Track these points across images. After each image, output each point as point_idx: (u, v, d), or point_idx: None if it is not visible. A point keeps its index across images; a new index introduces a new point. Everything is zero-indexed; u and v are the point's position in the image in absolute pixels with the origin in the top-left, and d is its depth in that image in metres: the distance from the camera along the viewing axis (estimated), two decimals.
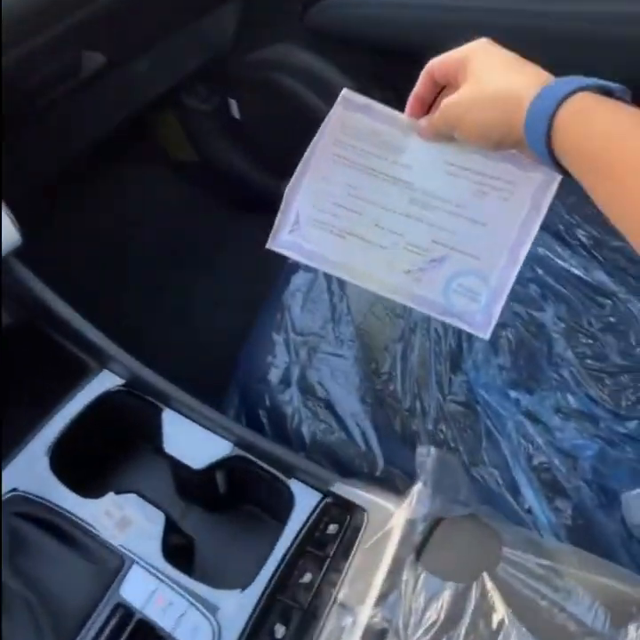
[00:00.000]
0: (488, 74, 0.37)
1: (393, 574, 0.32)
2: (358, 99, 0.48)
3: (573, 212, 0.72)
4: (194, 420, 0.48)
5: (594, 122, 0.32)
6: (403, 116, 0.48)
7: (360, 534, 0.37)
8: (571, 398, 0.59)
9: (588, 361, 0.63)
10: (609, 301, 0.69)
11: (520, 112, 0.35)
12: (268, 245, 0.49)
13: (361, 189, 0.49)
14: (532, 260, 0.69)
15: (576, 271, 0.70)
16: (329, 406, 0.53)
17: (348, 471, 0.48)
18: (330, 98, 1.15)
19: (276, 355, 0.57)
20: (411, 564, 0.32)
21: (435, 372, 0.59)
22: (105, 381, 0.52)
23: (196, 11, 0.87)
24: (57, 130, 0.76)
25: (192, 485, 0.48)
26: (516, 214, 0.48)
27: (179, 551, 0.43)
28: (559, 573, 0.31)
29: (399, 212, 0.49)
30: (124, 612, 0.37)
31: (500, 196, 0.48)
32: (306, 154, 0.49)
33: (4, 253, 0.48)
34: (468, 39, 0.86)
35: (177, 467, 0.47)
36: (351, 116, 0.48)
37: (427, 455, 0.37)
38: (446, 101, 0.40)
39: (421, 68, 0.91)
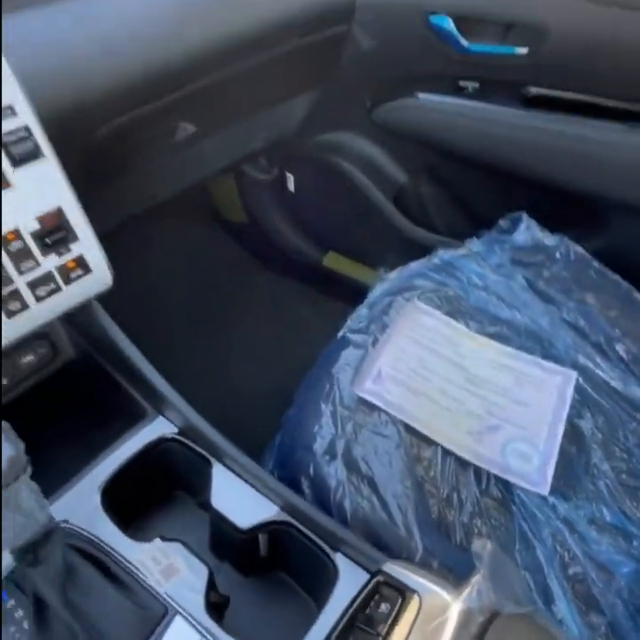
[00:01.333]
0: None
1: None
2: (425, 308, 0.75)
3: (614, 326, 0.78)
4: (241, 477, 0.51)
5: None
6: (456, 324, 0.73)
7: (414, 619, 0.39)
8: (605, 511, 0.62)
9: (624, 476, 0.66)
10: None
11: None
12: (356, 390, 0.64)
13: (429, 363, 0.69)
14: (573, 367, 0.73)
15: (614, 384, 0.74)
16: (372, 485, 0.56)
17: (386, 552, 0.51)
18: (383, 186, 1.26)
19: (323, 425, 0.61)
20: None
21: (474, 465, 0.62)
22: (159, 428, 0.56)
23: (277, 98, 0.99)
24: (136, 185, 0.84)
25: (232, 544, 0.50)
26: (548, 401, 0.67)
27: (216, 609, 0.45)
28: None
29: (459, 385, 0.67)
30: None
31: (534, 387, 0.68)
32: (390, 328, 0.72)
33: (95, 294, 0.54)
34: (513, 149, 0.95)
35: (221, 523, 0.50)
36: (421, 316, 0.74)
37: (483, 548, 0.39)
38: None
39: (472, 167, 1.03)
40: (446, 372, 0.69)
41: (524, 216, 0.86)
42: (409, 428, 0.62)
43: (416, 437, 0.62)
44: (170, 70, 0.69)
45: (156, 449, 0.55)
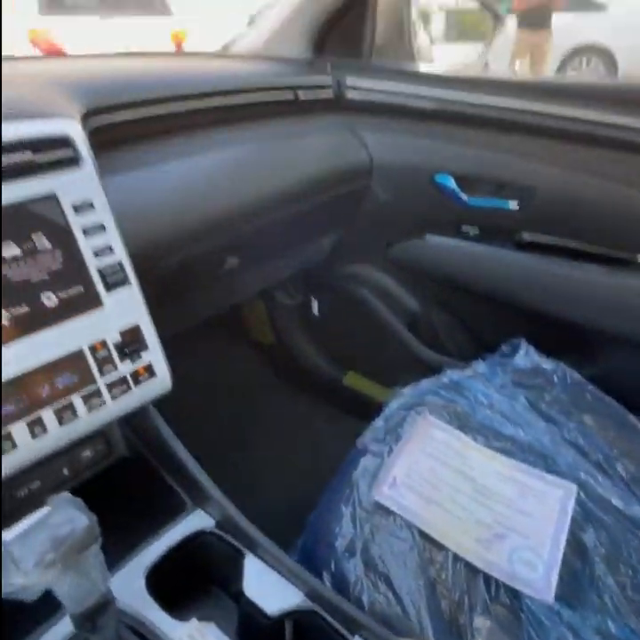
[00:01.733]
0: None
1: None
2: (436, 422, 0.83)
3: (613, 446, 0.85)
4: (272, 568, 0.57)
5: None
6: (465, 437, 0.81)
7: None
8: (611, 624, 0.65)
9: (629, 592, 0.69)
10: None
11: None
12: (373, 495, 0.71)
13: (440, 473, 0.76)
14: (574, 481, 0.79)
15: (615, 502, 0.79)
16: (388, 582, 0.61)
17: None
18: (398, 312, 1.41)
19: (343, 525, 0.67)
20: None
21: (483, 572, 0.66)
22: (198, 520, 0.63)
23: (307, 238, 1.16)
24: (184, 307, 0.98)
25: (260, 631, 0.55)
26: (550, 513, 0.72)
27: None
28: None
29: (467, 495, 0.74)
30: None
31: (537, 499, 0.74)
32: (404, 439, 0.80)
33: (157, 396, 0.64)
34: (511, 285, 1.09)
35: (251, 610, 0.55)
36: (432, 429, 0.82)
37: (483, 625, 0.45)
38: None
39: (475, 298, 1.17)
40: (455, 482, 0.76)
41: (523, 342, 0.97)
42: (422, 533, 0.68)
43: (429, 542, 0.68)
44: (223, 220, 0.85)
45: (196, 541, 0.61)
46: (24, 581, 0.43)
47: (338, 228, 1.22)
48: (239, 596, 0.56)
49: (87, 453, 0.67)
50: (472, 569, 0.66)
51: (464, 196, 1.07)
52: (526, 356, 0.96)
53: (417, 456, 0.79)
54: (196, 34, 5.28)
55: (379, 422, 0.87)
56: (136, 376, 0.62)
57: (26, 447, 0.54)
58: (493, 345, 1.02)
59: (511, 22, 5.78)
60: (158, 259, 0.75)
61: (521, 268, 1.05)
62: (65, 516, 0.47)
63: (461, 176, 1.06)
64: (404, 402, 0.91)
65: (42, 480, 0.62)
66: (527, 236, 1.05)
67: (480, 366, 0.98)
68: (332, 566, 0.63)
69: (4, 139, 0.57)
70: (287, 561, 0.57)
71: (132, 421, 0.69)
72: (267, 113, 1.01)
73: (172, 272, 0.82)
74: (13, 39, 4.22)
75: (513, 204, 1.03)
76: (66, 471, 0.65)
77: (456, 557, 0.67)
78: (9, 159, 0.56)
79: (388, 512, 0.70)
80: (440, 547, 0.67)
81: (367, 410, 0.97)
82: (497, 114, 0.99)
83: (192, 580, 0.62)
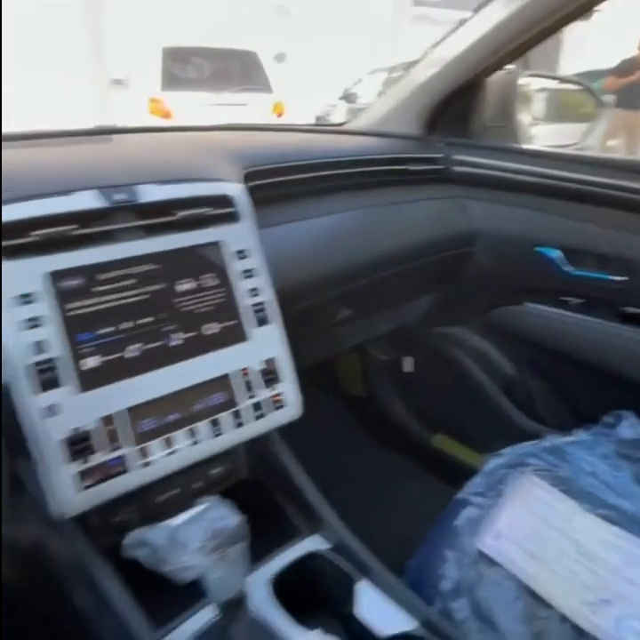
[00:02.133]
0: None
1: None
2: (540, 482, 0.84)
3: None
4: (385, 592, 0.62)
5: None
6: (569, 500, 0.81)
7: None
8: None
9: None
10: None
11: None
12: (477, 544, 0.75)
13: (543, 533, 0.78)
14: None
15: None
16: (493, 626, 0.64)
17: None
18: (494, 377, 1.44)
19: (448, 569, 0.71)
20: None
21: (591, 635, 0.67)
22: (314, 543, 0.69)
23: (411, 295, 1.25)
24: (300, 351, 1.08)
25: None
26: None
27: None
28: None
29: (572, 557, 0.76)
30: None
31: None
32: (506, 495, 0.83)
33: (285, 423, 0.72)
34: (612, 356, 1.11)
35: (362, 631, 0.59)
36: (536, 489, 0.84)
37: None
38: None
39: (575, 366, 1.19)
40: (559, 542, 0.78)
41: (630, 414, 0.98)
42: (526, 586, 0.70)
43: (533, 596, 0.69)
44: (344, 273, 0.96)
45: (310, 562, 0.67)
46: (187, 560, 0.51)
47: (439, 288, 1.30)
48: (348, 619, 0.61)
49: (217, 470, 0.75)
50: (579, 631, 0.67)
51: (566, 267, 1.12)
52: (631, 428, 0.96)
53: (520, 512, 0.81)
54: (294, 106, 5.82)
55: (477, 479, 0.91)
56: (271, 402, 0.71)
57: (184, 451, 0.63)
58: (592, 416, 1.03)
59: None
60: (291, 302, 0.86)
61: (625, 340, 1.08)
62: (220, 513, 0.55)
63: (563, 247, 1.12)
64: (504, 461, 0.94)
65: (181, 488, 0.71)
66: (631, 310, 1.08)
67: (582, 434, 0.99)
68: (438, 605, 0.66)
69: (183, 196, 0.70)
70: (401, 588, 0.61)
71: (256, 446, 0.77)
72: (383, 182, 1.14)
73: (296, 317, 0.92)
74: (138, 107, 4.96)
75: (615, 277, 1.07)
76: (198, 484, 0.74)
77: (562, 617, 0.68)
78: (185, 213, 0.70)
79: (491, 562, 0.73)
80: (544, 602, 0.69)
81: (454, 472, 1.00)
82: (595, 190, 1.05)
83: (301, 597, 0.67)
